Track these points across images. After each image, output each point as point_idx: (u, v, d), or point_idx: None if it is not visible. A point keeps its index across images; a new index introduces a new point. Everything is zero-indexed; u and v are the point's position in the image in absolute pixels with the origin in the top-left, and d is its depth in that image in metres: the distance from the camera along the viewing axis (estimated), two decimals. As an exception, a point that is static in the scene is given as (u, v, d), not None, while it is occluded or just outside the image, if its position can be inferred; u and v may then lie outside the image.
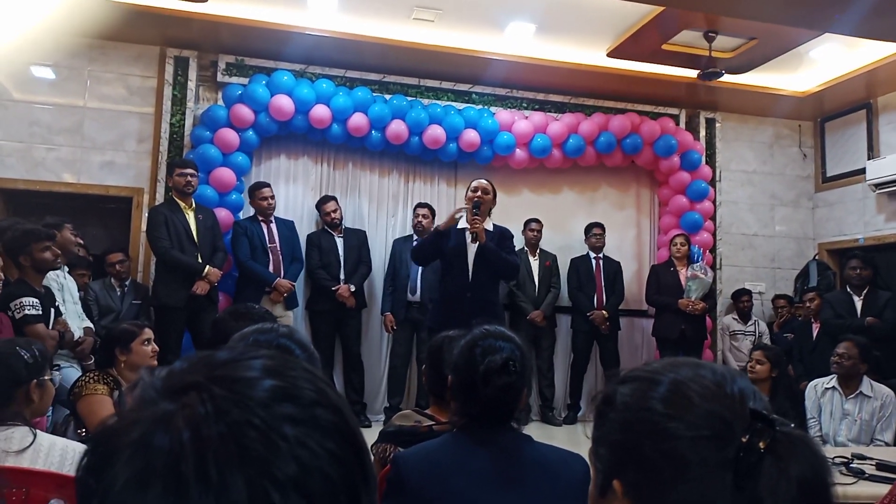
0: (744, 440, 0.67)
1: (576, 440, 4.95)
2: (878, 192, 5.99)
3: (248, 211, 5.41)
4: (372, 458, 0.54)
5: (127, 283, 4.86)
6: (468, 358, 1.55)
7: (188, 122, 5.28)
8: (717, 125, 6.42)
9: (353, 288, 5.19)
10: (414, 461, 1.49)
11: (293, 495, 0.45)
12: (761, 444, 0.66)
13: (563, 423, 5.63)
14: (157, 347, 2.86)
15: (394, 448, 1.98)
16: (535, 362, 5.66)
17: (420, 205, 5.51)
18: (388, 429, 2.10)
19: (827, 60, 5.62)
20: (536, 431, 5.29)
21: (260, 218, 5.09)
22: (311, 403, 0.50)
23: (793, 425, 0.70)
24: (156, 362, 2.84)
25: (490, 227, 3.97)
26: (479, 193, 3.91)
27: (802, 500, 0.64)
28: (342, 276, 5.24)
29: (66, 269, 4.17)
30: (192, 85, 5.31)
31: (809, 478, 0.65)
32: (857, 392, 3.80)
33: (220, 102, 5.29)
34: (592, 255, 5.84)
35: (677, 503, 0.67)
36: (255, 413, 0.47)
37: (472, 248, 3.87)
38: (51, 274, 3.76)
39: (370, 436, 2.18)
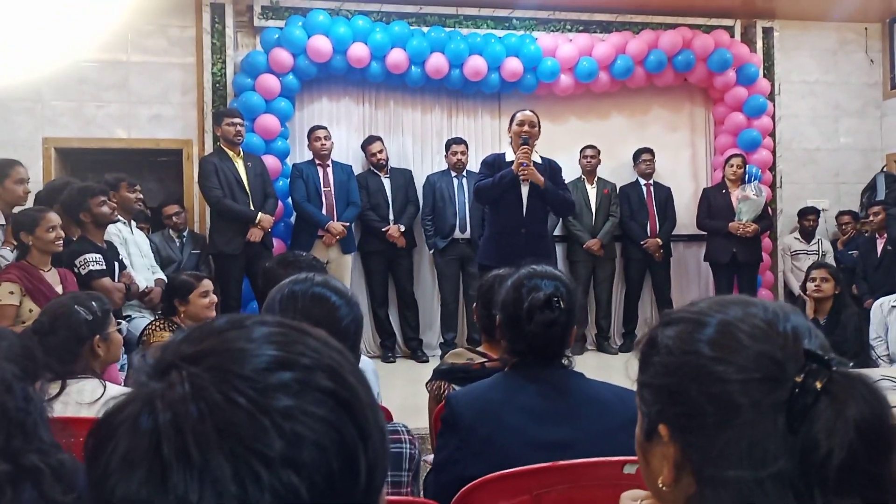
0: (798, 380, 0.64)
1: (632, 368, 4.94)
2: (953, 95, 5.60)
3: (295, 157, 5.44)
4: (379, 416, 0.55)
5: (185, 233, 5.00)
6: (514, 296, 1.55)
7: (229, 70, 5.28)
8: (776, 34, 6.04)
9: (402, 228, 5.21)
10: (466, 400, 1.51)
11: (281, 469, 0.46)
12: (817, 384, 0.63)
13: (619, 352, 5.63)
14: (215, 298, 2.95)
15: (448, 385, 2.02)
16: (593, 293, 5.63)
17: (457, 141, 5.38)
18: (442, 367, 2.14)
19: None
20: (593, 360, 5.36)
21: (317, 161, 5.11)
22: (307, 368, 0.51)
23: (851, 364, 0.66)
24: (214, 313, 2.93)
25: (538, 160, 3.88)
26: (525, 128, 3.77)
27: (861, 442, 0.61)
28: (391, 217, 5.26)
29: (134, 223, 4.32)
30: (229, 32, 5.28)
31: (868, 418, 0.61)
32: (928, 309, 3.65)
33: (259, 48, 5.25)
34: (643, 181, 5.69)
35: (725, 447, 0.65)
36: (237, 389, 0.47)
37: (525, 184, 3.79)
38: (112, 229, 3.89)
39: (428, 371, 2.24)
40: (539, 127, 3.89)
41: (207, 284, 2.92)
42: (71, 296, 2.14)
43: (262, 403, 0.47)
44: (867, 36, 6.35)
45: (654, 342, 0.74)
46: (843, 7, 5.89)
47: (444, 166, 5.57)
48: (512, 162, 3.83)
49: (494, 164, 3.94)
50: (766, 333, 0.68)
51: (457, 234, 5.27)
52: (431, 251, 5.40)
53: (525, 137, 3.74)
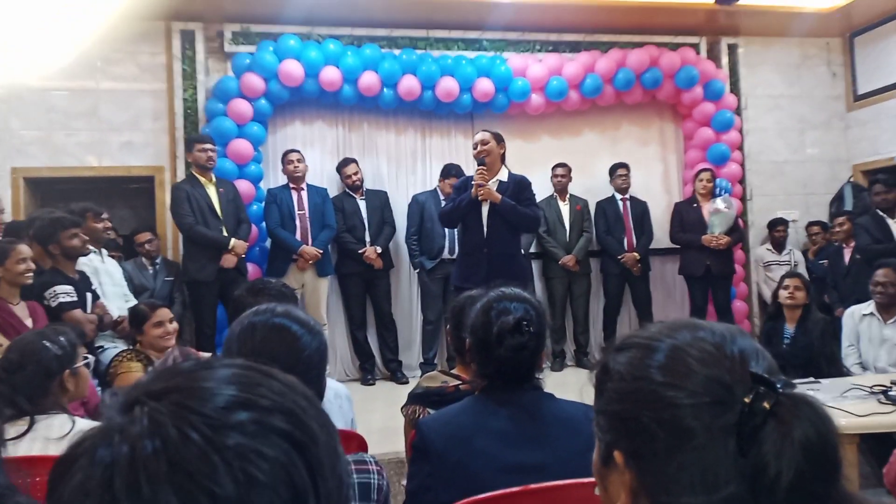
0: (746, 400, 0.65)
1: (587, 394, 4.95)
2: (913, 106, 5.74)
3: (269, 181, 5.43)
4: (342, 454, 0.55)
5: (158, 261, 4.95)
6: (483, 320, 1.56)
7: (201, 96, 5.27)
8: (740, 50, 6.19)
9: (379, 249, 5.21)
10: (436, 426, 1.51)
11: None
12: (764, 406, 0.64)
13: (599, 367, 5.63)
14: (170, 330, 2.92)
15: (423, 409, 2.01)
16: (570, 309, 5.65)
17: (454, 172, 5.23)
18: (416, 391, 2.13)
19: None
20: (572, 377, 5.37)
21: (291, 185, 5.10)
22: (265, 410, 0.51)
23: (798, 384, 0.68)
24: (171, 342, 2.91)
25: (504, 177, 3.91)
26: (478, 149, 3.85)
27: (808, 463, 0.62)
28: (367, 239, 5.25)
29: (105, 252, 4.27)
30: (200, 58, 5.28)
31: (814, 440, 0.63)
32: (896, 317, 3.72)
33: (230, 73, 5.25)
34: (619, 196, 5.75)
35: (678, 473, 0.66)
36: (192, 425, 0.48)
37: (485, 204, 3.83)
38: (83, 259, 3.84)
39: (407, 393, 2.22)
40: (498, 142, 3.91)
41: (162, 314, 2.90)
42: (38, 331, 2.10)
43: (215, 441, 0.48)
44: (829, 50, 6.51)
45: (606, 368, 0.75)
46: (804, 23, 6.04)
47: (420, 187, 5.58)
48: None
49: (462, 188, 3.97)
50: (715, 357, 0.69)
51: (445, 254, 5.26)
52: (417, 270, 5.37)
53: (481, 158, 3.80)
